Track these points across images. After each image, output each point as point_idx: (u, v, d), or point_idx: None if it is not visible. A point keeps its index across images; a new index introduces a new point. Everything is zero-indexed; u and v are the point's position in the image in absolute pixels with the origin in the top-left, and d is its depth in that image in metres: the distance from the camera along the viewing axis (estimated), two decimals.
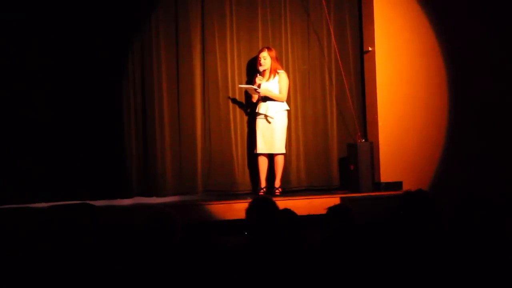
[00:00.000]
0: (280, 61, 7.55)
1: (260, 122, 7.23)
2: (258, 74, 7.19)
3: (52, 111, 6.88)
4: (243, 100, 7.57)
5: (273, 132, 7.18)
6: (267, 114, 7.17)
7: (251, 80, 7.40)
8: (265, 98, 7.18)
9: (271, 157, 7.29)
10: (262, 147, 7.21)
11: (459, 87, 7.78)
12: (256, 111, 7.26)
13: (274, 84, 7.23)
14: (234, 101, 7.57)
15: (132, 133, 7.18)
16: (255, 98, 7.28)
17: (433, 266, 3.47)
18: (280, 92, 7.23)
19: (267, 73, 7.22)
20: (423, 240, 3.63)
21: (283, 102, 7.26)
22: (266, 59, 7.21)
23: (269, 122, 7.18)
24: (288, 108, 7.34)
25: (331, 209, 3.90)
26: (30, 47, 6.82)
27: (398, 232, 3.75)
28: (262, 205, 3.99)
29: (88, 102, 6.98)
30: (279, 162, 7.28)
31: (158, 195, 7.18)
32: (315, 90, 7.87)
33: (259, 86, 7.17)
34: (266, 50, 7.25)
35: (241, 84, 7.32)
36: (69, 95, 6.93)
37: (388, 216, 3.89)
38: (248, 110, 7.56)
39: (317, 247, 3.65)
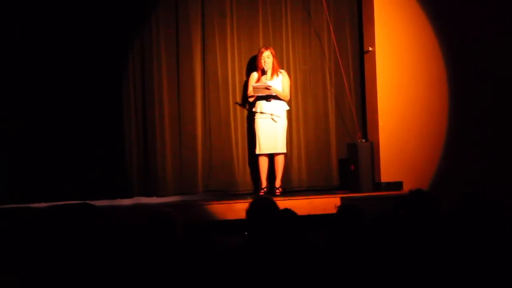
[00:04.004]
0: (280, 60, 7.57)
1: (262, 122, 7.21)
2: (263, 74, 7.19)
3: (53, 111, 6.88)
4: (243, 99, 7.56)
5: (276, 132, 7.18)
6: (274, 113, 7.17)
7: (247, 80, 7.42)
8: (270, 98, 7.17)
9: (271, 157, 7.28)
10: (265, 147, 7.20)
11: (459, 86, 7.78)
12: (256, 111, 7.24)
13: (278, 83, 7.24)
14: (234, 100, 7.57)
15: (132, 133, 7.17)
16: (253, 98, 7.27)
17: (434, 265, 3.47)
18: (283, 91, 7.25)
19: (269, 73, 7.21)
20: (424, 240, 3.63)
21: (287, 100, 7.28)
22: (269, 58, 7.21)
23: (276, 122, 7.18)
24: (289, 108, 7.35)
25: (341, 208, 3.91)
26: (31, 47, 6.82)
27: (400, 232, 3.75)
28: (262, 205, 3.98)
29: (89, 102, 6.98)
30: (280, 161, 7.28)
31: (158, 195, 7.18)
32: (316, 90, 7.87)
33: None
34: (269, 49, 7.25)
35: (255, 83, 7.23)
36: (70, 95, 6.93)
37: (389, 216, 3.89)
38: (247, 107, 7.56)
39: (320, 247, 3.65)
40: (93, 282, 3.16)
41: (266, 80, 7.16)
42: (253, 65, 7.43)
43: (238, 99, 7.58)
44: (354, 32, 7.97)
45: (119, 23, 7.09)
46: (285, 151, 7.30)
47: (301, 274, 3.44)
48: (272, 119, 7.18)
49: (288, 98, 7.32)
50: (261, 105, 7.20)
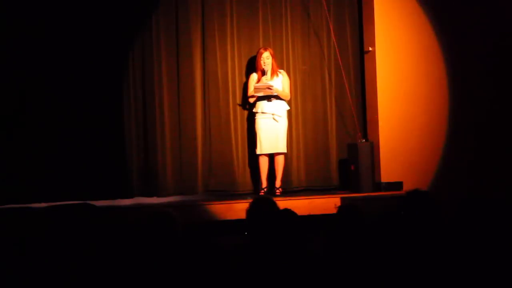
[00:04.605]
0: (280, 61, 7.57)
1: (263, 122, 7.20)
2: (263, 74, 7.19)
3: (53, 111, 6.88)
4: (243, 100, 7.56)
5: (277, 132, 7.18)
6: (275, 113, 7.17)
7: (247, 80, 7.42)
8: (271, 98, 7.17)
9: (271, 157, 7.28)
10: (266, 147, 7.20)
11: (459, 86, 7.78)
12: (257, 111, 7.24)
13: (278, 83, 7.24)
14: (234, 101, 7.57)
15: (132, 133, 7.18)
16: (254, 98, 7.27)
17: (434, 266, 3.47)
18: (283, 91, 7.25)
19: (269, 73, 7.21)
20: (424, 240, 3.63)
21: (287, 100, 7.28)
22: (269, 59, 7.22)
23: (277, 121, 7.18)
24: (289, 108, 7.35)
25: (341, 208, 3.91)
26: (31, 47, 6.82)
27: (400, 232, 3.75)
28: (262, 205, 3.99)
29: (89, 102, 6.98)
30: (281, 161, 7.28)
31: (158, 195, 7.18)
32: (315, 90, 7.87)
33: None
34: (268, 50, 7.26)
35: (257, 84, 7.24)
36: (70, 95, 6.93)
37: (389, 216, 3.89)
38: (247, 107, 7.56)
39: (320, 247, 3.65)
40: (93, 282, 3.16)
41: (267, 80, 7.17)
42: (253, 65, 7.42)
43: (238, 99, 7.59)
44: (354, 32, 7.97)
45: (119, 23, 7.09)
46: (285, 151, 7.30)
47: (301, 274, 3.44)
48: (274, 118, 7.18)
49: (288, 97, 7.33)
50: (262, 105, 7.20)
